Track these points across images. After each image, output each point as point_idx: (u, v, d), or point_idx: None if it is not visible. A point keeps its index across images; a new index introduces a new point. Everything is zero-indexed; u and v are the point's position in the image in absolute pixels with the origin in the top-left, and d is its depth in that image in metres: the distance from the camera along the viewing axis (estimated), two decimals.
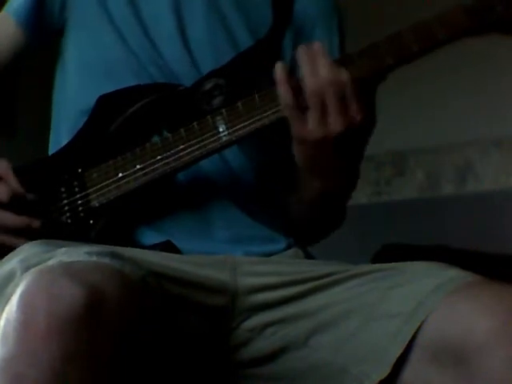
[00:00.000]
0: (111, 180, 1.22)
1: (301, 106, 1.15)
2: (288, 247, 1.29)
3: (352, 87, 1.14)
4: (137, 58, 1.29)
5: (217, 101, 1.24)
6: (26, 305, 0.91)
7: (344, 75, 1.14)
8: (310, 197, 1.27)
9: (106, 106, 1.27)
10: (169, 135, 1.23)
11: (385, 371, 1.06)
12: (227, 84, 1.25)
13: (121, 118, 1.26)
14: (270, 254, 1.26)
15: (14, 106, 1.51)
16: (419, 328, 1.05)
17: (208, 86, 1.26)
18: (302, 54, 1.17)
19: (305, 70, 1.16)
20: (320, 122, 1.14)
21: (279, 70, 1.17)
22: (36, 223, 1.22)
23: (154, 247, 1.20)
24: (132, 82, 1.27)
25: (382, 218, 2.60)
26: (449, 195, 2.66)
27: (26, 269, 0.99)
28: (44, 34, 1.35)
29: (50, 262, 0.98)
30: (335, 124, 1.14)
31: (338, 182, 1.25)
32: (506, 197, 2.55)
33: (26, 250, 1.06)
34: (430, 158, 2.69)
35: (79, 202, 1.23)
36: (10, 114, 1.52)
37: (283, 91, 1.16)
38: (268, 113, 1.19)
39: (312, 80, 1.15)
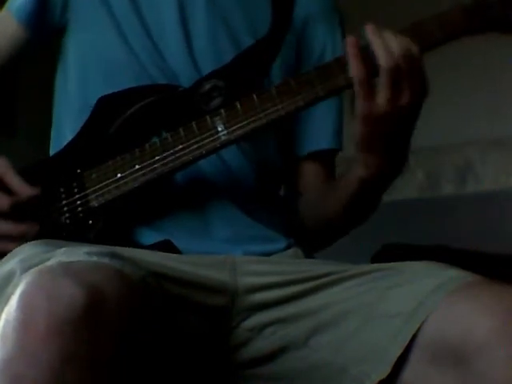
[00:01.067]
0: (110, 180, 1.22)
1: (370, 80, 1.13)
2: (288, 247, 1.29)
3: (421, 60, 1.14)
4: (138, 59, 1.29)
5: (215, 102, 1.24)
6: (25, 305, 0.91)
7: (415, 48, 1.14)
8: (360, 175, 1.23)
9: (106, 107, 1.27)
10: (168, 135, 1.23)
11: (385, 371, 1.05)
12: (226, 85, 1.25)
13: (120, 119, 1.26)
14: (269, 254, 1.26)
15: (14, 105, 1.51)
16: (419, 328, 1.04)
17: (207, 87, 1.26)
18: (371, 30, 1.15)
19: (377, 46, 1.14)
20: (391, 97, 1.13)
21: (351, 43, 1.15)
22: (34, 230, 1.21)
23: (153, 247, 1.20)
24: (132, 83, 1.27)
25: (382, 218, 2.60)
26: (449, 195, 2.66)
27: (26, 269, 0.99)
28: (45, 33, 1.35)
29: (50, 262, 0.98)
30: (406, 98, 1.13)
31: (393, 163, 1.23)
32: (506, 197, 2.55)
33: (26, 251, 1.06)
34: (430, 158, 2.69)
35: (78, 202, 1.23)
36: (10, 113, 1.52)
37: (355, 65, 1.13)
38: (266, 112, 1.19)
39: (387, 56, 1.13)
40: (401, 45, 1.13)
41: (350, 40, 1.15)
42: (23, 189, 1.23)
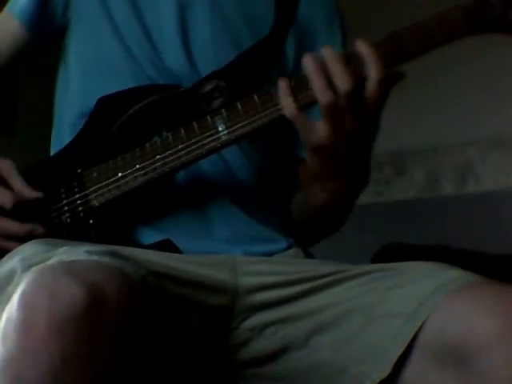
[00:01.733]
0: (111, 180, 1.22)
1: (337, 106, 1.13)
2: (288, 247, 1.29)
3: (378, 88, 1.13)
4: (137, 61, 1.29)
5: (217, 102, 1.24)
6: (26, 304, 0.91)
7: (374, 74, 1.12)
8: (320, 201, 1.26)
9: (106, 108, 1.27)
10: (169, 135, 1.23)
11: (385, 371, 1.05)
12: (227, 86, 1.25)
13: (121, 119, 1.26)
14: (270, 254, 1.26)
15: (14, 105, 1.51)
16: (420, 328, 1.04)
17: (208, 87, 1.26)
18: (309, 64, 1.15)
19: (316, 84, 1.13)
20: (331, 129, 1.13)
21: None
22: (39, 230, 1.22)
23: (153, 246, 1.20)
24: (131, 84, 1.27)
25: (382, 218, 2.61)
26: (449, 195, 2.66)
27: (27, 268, 0.99)
28: (46, 33, 1.35)
29: (51, 262, 0.98)
30: (350, 129, 1.13)
31: (351, 182, 1.24)
32: (506, 197, 2.55)
33: (27, 250, 1.06)
34: (430, 158, 2.69)
35: (79, 201, 1.23)
36: (10, 113, 1.52)
37: (286, 104, 1.15)
38: (267, 112, 1.19)
39: (326, 95, 1.13)
40: (344, 82, 1.12)
41: (281, 81, 1.16)
42: (26, 191, 1.23)
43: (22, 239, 1.19)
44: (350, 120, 1.13)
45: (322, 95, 1.13)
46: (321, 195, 1.24)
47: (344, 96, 1.12)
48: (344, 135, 1.13)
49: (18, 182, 1.24)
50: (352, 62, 1.14)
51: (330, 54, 1.15)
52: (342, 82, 1.12)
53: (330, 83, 1.13)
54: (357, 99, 1.13)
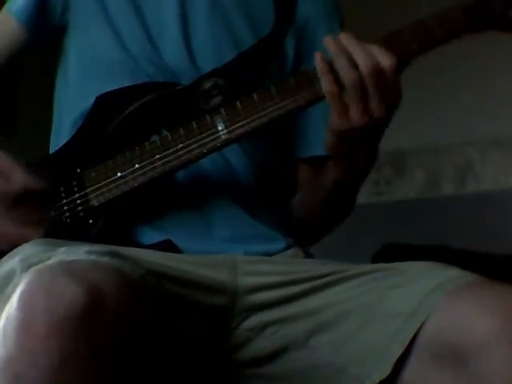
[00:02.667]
0: (110, 179, 1.22)
1: (343, 95, 1.15)
2: (288, 247, 1.28)
3: (394, 72, 1.14)
4: (134, 58, 1.28)
5: (215, 100, 1.24)
6: (25, 304, 0.91)
7: (386, 60, 1.14)
8: (324, 191, 1.28)
9: (105, 106, 1.27)
10: (168, 134, 1.23)
11: (385, 371, 1.05)
12: (226, 84, 1.25)
13: (119, 118, 1.26)
14: (269, 254, 1.26)
15: (15, 105, 1.51)
16: (420, 328, 1.04)
17: (207, 85, 1.25)
18: (332, 45, 1.16)
19: (340, 64, 1.15)
20: (363, 111, 1.14)
21: (319, 58, 1.16)
22: (49, 217, 1.21)
23: (153, 246, 1.20)
24: (130, 82, 1.27)
25: (382, 218, 2.60)
26: (449, 195, 2.66)
27: (26, 268, 0.99)
28: (46, 33, 1.35)
29: (50, 262, 0.98)
30: (378, 111, 1.14)
31: (361, 166, 1.27)
32: (506, 197, 2.55)
33: (26, 250, 1.06)
34: (430, 158, 2.69)
35: (78, 201, 1.23)
36: (10, 113, 1.52)
37: (326, 82, 1.15)
38: (266, 111, 1.19)
39: (350, 73, 1.14)
40: (366, 59, 1.14)
41: (318, 55, 1.17)
42: (30, 182, 1.23)
43: (34, 225, 1.19)
44: (376, 104, 1.14)
45: (346, 75, 1.14)
46: (335, 173, 1.26)
47: (368, 74, 1.13)
48: (369, 120, 1.15)
49: (21, 173, 1.23)
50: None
51: (347, 37, 1.16)
52: (365, 59, 1.14)
53: (353, 63, 1.14)
54: (379, 79, 1.14)
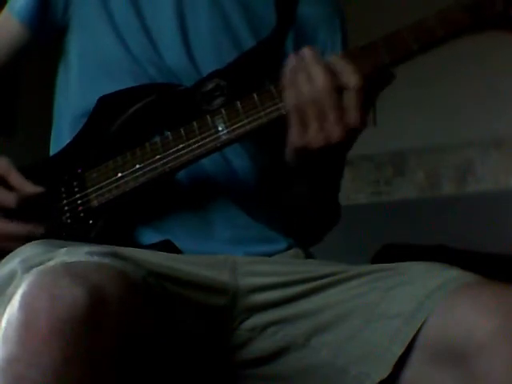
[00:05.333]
0: (111, 180, 1.22)
1: (303, 110, 1.14)
2: (288, 247, 1.29)
3: (356, 92, 1.13)
4: (136, 59, 1.28)
5: (218, 101, 1.24)
6: (27, 305, 0.91)
7: (349, 79, 1.13)
8: (295, 199, 1.29)
9: (106, 107, 1.27)
10: (168, 134, 1.23)
11: (386, 371, 1.05)
12: (228, 85, 1.25)
13: (121, 119, 1.26)
14: (270, 255, 1.26)
15: (14, 105, 1.51)
16: (420, 328, 1.04)
17: (209, 86, 1.25)
18: (293, 62, 1.16)
19: (298, 78, 1.15)
20: (317, 130, 1.14)
21: (287, 68, 1.16)
22: (39, 230, 1.22)
23: (153, 247, 1.20)
24: (131, 84, 1.27)
25: (382, 218, 2.61)
26: (449, 195, 2.66)
27: (27, 269, 0.99)
28: (47, 32, 1.35)
29: (51, 263, 0.98)
30: (334, 132, 1.13)
31: (321, 188, 1.26)
32: (506, 197, 2.55)
33: (27, 251, 1.06)
34: (430, 158, 2.69)
35: (79, 202, 1.23)
36: (10, 113, 1.52)
37: (288, 96, 1.15)
38: (267, 112, 1.19)
39: (307, 88, 1.14)
40: (324, 76, 1.13)
41: (286, 71, 1.16)
42: (27, 186, 1.23)
43: (21, 240, 1.19)
44: (335, 124, 1.13)
45: (305, 89, 1.14)
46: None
47: (324, 91, 1.13)
48: (329, 140, 1.13)
49: (17, 179, 1.24)
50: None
51: (309, 52, 1.16)
52: (324, 76, 1.13)
53: (311, 79, 1.14)
54: (336, 98, 1.13)
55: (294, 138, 1.15)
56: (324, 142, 1.14)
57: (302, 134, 1.14)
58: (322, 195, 1.29)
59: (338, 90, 1.13)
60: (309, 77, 1.14)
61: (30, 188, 1.23)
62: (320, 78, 1.14)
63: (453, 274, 1.09)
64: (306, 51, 1.17)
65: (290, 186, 1.32)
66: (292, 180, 1.28)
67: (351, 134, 1.14)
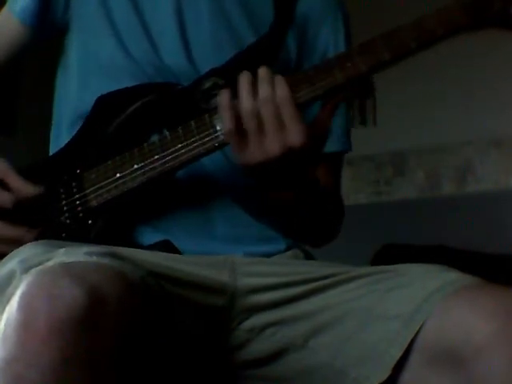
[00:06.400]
0: (109, 180, 1.22)
1: (242, 131, 1.14)
2: (288, 248, 1.28)
3: (291, 105, 1.13)
4: (135, 59, 1.28)
5: (215, 100, 1.24)
6: (26, 306, 0.91)
7: (283, 91, 1.13)
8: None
9: (105, 107, 1.27)
10: (166, 133, 1.23)
11: (384, 374, 1.05)
12: (226, 83, 1.25)
13: (119, 119, 1.26)
14: (269, 255, 1.26)
15: (14, 105, 1.51)
16: (418, 331, 1.04)
17: (207, 85, 1.25)
18: (241, 78, 1.16)
19: (241, 92, 1.15)
20: (258, 144, 1.13)
21: (222, 95, 1.16)
22: (33, 233, 1.22)
23: (152, 247, 1.20)
24: (130, 83, 1.27)
25: (382, 218, 2.61)
26: (449, 195, 2.66)
27: (26, 269, 0.99)
28: (47, 32, 1.35)
29: (50, 263, 0.97)
30: (273, 146, 1.12)
31: (302, 208, 1.25)
32: (506, 197, 2.55)
33: (26, 251, 1.06)
34: (430, 158, 2.69)
35: (78, 202, 1.23)
36: (10, 113, 1.52)
37: (225, 117, 1.15)
38: None
39: (247, 101, 1.14)
40: (266, 89, 1.13)
41: (221, 92, 1.16)
42: (26, 188, 1.23)
43: (13, 243, 1.19)
44: (272, 137, 1.12)
45: (245, 103, 1.13)
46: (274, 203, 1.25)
47: (262, 103, 1.13)
48: (268, 154, 1.13)
49: (16, 181, 1.24)
50: None
51: (263, 72, 1.16)
52: (263, 90, 1.13)
53: (254, 92, 1.14)
54: (277, 111, 1.12)
55: (235, 153, 1.15)
56: (262, 158, 1.13)
57: (242, 150, 1.14)
58: (303, 211, 1.28)
59: (276, 103, 1.13)
60: (252, 92, 1.14)
61: (29, 189, 1.23)
62: (261, 90, 1.13)
63: (451, 276, 1.09)
64: (260, 70, 1.16)
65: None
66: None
67: (293, 151, 1.13)
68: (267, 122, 1.13)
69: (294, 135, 1.12)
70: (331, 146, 1.35)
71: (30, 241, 1.18)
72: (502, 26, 1.21)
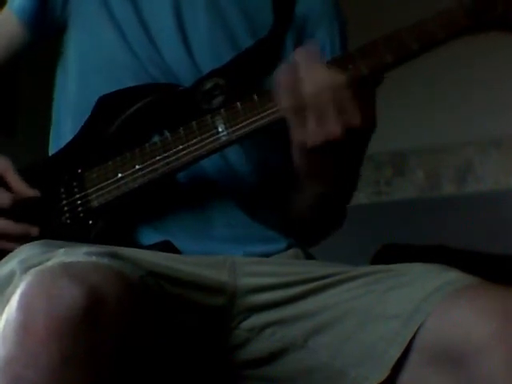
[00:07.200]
0: (110, 180, 1.22)
1: (300, 109, 1.15)
2: (288, 247, 1.28)
3: (350, 90, 1.14)
4: (137, 58, 1.28)
5: (217, 101, 1.24)
6: (25, 306, 0.91)
7: (341, 79, 1.14)
8: (309, 200, 1.28)
9: (106, 107, 1.27)
10: (168, 135, 1.23)
11: (383, 374, 1.05)
12: (227, 84, 1.25)
13: (120, 119, 1.26)
14: (269, 255, 1.26)
15: (14, 105, 1.51)
16: (417, 330, 1.04)
17: (208, 85, 1.26)
18: (299, 57, 1.16)
19: (302, 74, 1.15)
20: (319, 125, 1.14)
21: (280, 72, 1.16)
22: (35, 230, 1.22)
23: (152, 247, 1.20)
24: (131, 83, 1.27)
25: (382, 218, 2.60)
26: (449, 195, 2.66)
27: (26, 269, 0.99)
28: (46, 30, 1.35)
29: (50, 263, 0.98)
30: (334, 127, 1.13)
31: (337, 186, 1.25)
32: (506, 197, 2.55)
33: (26, 251, 1.06)
34: (430, 158, 2.69)
35: (78, 202, 1.23)
36: (10, 113, 1.52)
37: (282, 94, 1.15)
38: (267, 113, 1.19)
39: (310, 84, 1.14)
40: (326, 75, 1.14)
41: (280, 68, 1.17)
42: (24, 189, 1.23)
43: (14, 239, 1.19)
44: (334, 119, 1.13)
45: (307, 84, 1.14)
46: (306, 195, 1.26)
47: (325, 88, 1.13)
48: (329, 135, 1.14)
49: (15, 180, 1.24)
50: None
51: (315, 51, 1.17)
52: (323, 75, 1.14)
53: (314, 75, 1.15)
54: (339, 96, 1.13)
55: (294, 136, 1.16)
56: (323, 139, 1.14)
57: (302, 132, 1.15)
58: (333, 196, 1.29)
59: (338, 87, 1.14)
60: (308, 75, 1.14)
61: (25, 191, 1.23)
62: (319, 75, 1.14)
63: (451, 275, 1.09)
64: (312, 47, 1.17)
65: (296, 187, 1.32)
66: (298, 182, 1.28)
67: (354, 133, 1.14)
68: (329, 106, 1.13)
69: (355, 117, 1.13)
70: None
71: (35, 235, 1.19)
72: (504, 29, 1.21)
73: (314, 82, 1.14)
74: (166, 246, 1.20)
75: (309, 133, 1.14)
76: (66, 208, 1.24)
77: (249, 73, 1.29)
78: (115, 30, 1.30)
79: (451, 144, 2.65)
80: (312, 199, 1.28)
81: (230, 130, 1.20)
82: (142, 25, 1.30)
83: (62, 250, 1.01)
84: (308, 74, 1.14)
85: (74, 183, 1.25)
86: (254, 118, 1.19)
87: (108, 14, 1.31)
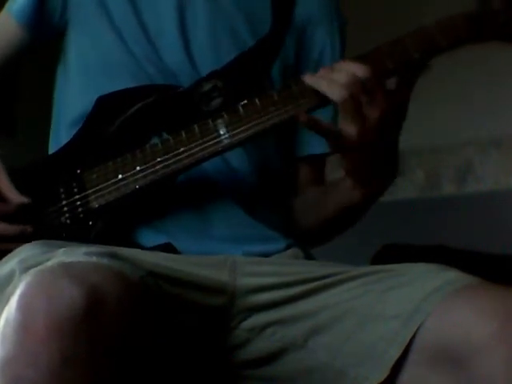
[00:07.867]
0: (111, 181, 1.22)
1: (351, 96, 1.15)
2: (288, 247, 1.28)
3: (372, 79, 1.15)
4: (136, 59, 1.28)
5: (215, 102, 1.24)
6: (25, 306, 0.91)
7: (361, 70, 1.15)
8: (330, 212, 1.31)
9: (105, 108, 1.27)
10: (169, 137, 1.23)
11: (383, 374, 1.05)
12: (226, 85, 1.25)
13: (120, 119, 1.26)
14: (269, 254, 1.26)
15: (14, 105, 1.51)
16: (417, 330, 1.04)
17: (207, 87, 1.26)
18: (307, 78, 1.18)
19: (321, 86, 1.16)
20: (357, 117, 1.14)
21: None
22: (29, 228, 1.21)
23: (154, 249, 1.20)
24: (131, 84, 1.27)
25: (382, 218, 2.60)
26: (449, 195, 2.66)
27: (25, 269, 0.99)
28: (46, 33, 1.35)
29: (50, 263, 0.98)
30: (372, 113, 1.14)
31: (377, 187, 1.27)
32: (506, 197, 2.55)
33: (26, 251, 1.06)
34: (430, 158, 2.69)
35: (78, 202, 1.23)
36: (9, 113, 1.52)
37: (329, 86, 1.16)
38: (269, 116, 1.19)
39: (334, 90, 1.15)
40: (344, 74, 1.15)
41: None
42: (12, 195, 1.23)
43: (13, 240, 1.19)
44: (368, 106, 1.14)
45: (333, 93, 1.15)
46: (353, 194, 1.27)
47: (353, 85, 1.14)
48: (369, 132, 1.15)
49: (4, 186, 1.23)
50: None
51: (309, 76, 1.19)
52: (345, 74, 1.15)
53: (333, 80, 1.16)
54: (367, 87, 1.15)
55: (345, 128, 1.16)
56: (378, 113, 1.15)
57: (357, 119, 1.15)
58: (362, 206, 1.31)
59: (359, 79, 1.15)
60: (349, 70, 1.16)
61: (14, 196, 1.23)
62: (339, 75, 1.15)
63: (451, 275, 1.09)
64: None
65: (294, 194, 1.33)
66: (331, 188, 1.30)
67: (388, 111, 1.16)
68: (359, 98, 1.14)
69: (384, 101, 1.16)
70: (319, 147, 1.35)
71: (30, 232, 1.19)
72: (505, 40, 1.21)
73: (336, 87, 1.15)
74: (167, 249, 1.20)
75: (364, 115, 1.15)
76: (65, 208, 1.24)
77: (248, 75, 1.29)
78: (113, 31, 1.30)
79: (451, 144, 2.65)
80: (335, 211, 1.30)
81: (232, 133, 1.20)
82: (141, 25, 1.30)
83: (61, 250, 1.01)
84: (327, 83, 1.16)
85: (74, 183, 1.25)
86: (255, 122, 1.19)
87: (107, 17, 1.31)
